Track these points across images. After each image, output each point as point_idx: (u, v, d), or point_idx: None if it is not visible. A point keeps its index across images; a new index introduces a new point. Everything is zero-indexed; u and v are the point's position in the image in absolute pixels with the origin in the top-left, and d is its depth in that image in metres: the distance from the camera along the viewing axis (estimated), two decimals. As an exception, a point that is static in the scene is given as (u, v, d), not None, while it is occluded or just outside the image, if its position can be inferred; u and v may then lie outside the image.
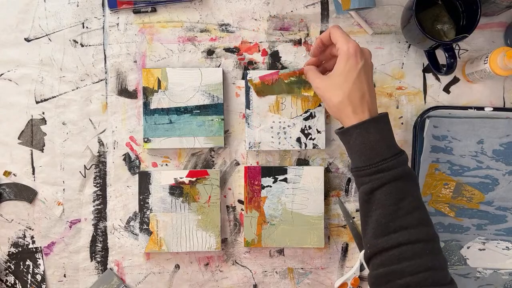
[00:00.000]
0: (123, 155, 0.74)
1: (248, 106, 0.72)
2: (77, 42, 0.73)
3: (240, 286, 0.75)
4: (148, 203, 0.72)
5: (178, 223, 0.72)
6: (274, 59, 0.74)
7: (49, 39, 0.73)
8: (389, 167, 0.56)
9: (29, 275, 0.73)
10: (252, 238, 0.72)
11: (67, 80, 0.73)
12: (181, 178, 0.72)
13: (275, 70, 0.71)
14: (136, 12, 0.73)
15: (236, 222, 0.74)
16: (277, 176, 0.72)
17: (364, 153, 0.57)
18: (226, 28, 0.74)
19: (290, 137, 0.72)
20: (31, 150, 0.73)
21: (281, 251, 0.74)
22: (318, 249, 0.74)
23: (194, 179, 0.72)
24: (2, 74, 0.73)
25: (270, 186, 0.72)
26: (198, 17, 0.73)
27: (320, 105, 0.72)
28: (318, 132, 0.72)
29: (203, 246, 0.72)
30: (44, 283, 0.74)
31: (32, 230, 0.73)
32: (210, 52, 0.74)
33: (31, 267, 0.73)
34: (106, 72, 0.73)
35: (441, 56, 0.69)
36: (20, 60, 0.73)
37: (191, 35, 0.74)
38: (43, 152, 0.73)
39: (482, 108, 0.71)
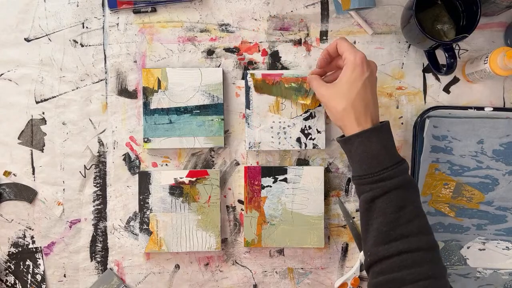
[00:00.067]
0: (123, 155, 0.74)
1: (248, 106, 0.72)
2: (77, 42, 0.73)
3: (240, 286, 0.75)
4: (148, 203, 0.72)
5: (178, 223, 0.72)
6: (274, 59, 0.74)
7: (49, 39, 0.73)
8: (390, 176, 0.56)
9: (29, 275, 0.74)
10: (252, 238, 0.72)
11: (67, 80, 0.73)
12: (181, 178, 0.72)
13: (279, 72, 0.72)
14: (136, 12, 0.73)
15: (236, 222, 0.74)
16: (277, 176, 0.72)
17: (366, 162, 0.58)
18: (226, 28, 0.74)
19: (290, 137, 0.72)
20: (31, 150, 0.73)
21: (281, 251, 0.74)
22: (318, 249, 0.74)
23: (194, 179, 0.72)
24: (2, 74, 0.73)
25: (270, 186, 0.72)
26: (198, 17, 0.73)
27: (320, 105, 0.72)
28: (318, 132, 0.72)
29: (203, 246, 0.72)
30: (44, 283, 0.74)
31: (32, 230, 0.73)
32: (210, 52, 0.74)
33: (31, 267, 0.73)
34: (106, 72, 0.73)
35: (441, 56, 0.69)
36: (20, 60, 0.73)
37: (191, 35, 0.74)
38: (43, 152, 0.73)
39: (482, 108, 0.71)
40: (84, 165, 0.74)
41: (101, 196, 0.74)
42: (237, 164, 0.74)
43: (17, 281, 0.73)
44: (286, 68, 0.73)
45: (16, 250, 0.73)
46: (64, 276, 0.74)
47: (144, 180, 0.72)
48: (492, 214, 0.73)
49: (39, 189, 0.73)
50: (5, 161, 0.73)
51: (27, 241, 0.73)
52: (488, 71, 0.67)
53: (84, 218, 0.74)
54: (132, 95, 0.74)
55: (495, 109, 0.71)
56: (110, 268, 0.74)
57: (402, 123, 0.74)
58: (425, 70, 0.74)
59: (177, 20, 0.73)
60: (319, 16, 0.74)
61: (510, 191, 0.72)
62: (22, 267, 0.73)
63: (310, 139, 0.72)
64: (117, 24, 0.73)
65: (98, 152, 0.74)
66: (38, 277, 0.73)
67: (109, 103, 0.74)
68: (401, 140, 0.74)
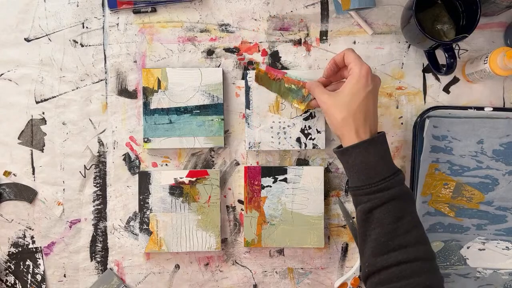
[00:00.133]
0: (123, 155, 0.74)
1: (248, 106, 0.72)
2: (77, 42, 0.73)
3: (240, 286, 0.75)
4: (148, 203, 0.72)
5: (178, 223, 0.72)
6: (274, 59, 0.74)
7: (49, 39, 0.73)
8: (388, 187, 0.57)
9: (29, 275, 0.74)
10: (252, 238, 0.72)
11: (67, 80, 0.73)
12: (181, 178, 0.72)
13: (284, 70, 0.72)
14: (136, 12, 0.73)
15: (236, 222, 0.74)
16: (277, 176, 0.72)
17: (363, 173, 0.58)
18: (226, 28, 0.74)
19: (290, 137, 0.72)
20: (31, 150, 0.73)
21: (281, 251, 0.74)
22: (318, 249, 0.74)
23: (194, 179, 0.72)
24: (2, 74, 0.73)
25: (270, 186, 0.72)
26: (198, 17, 0.73)
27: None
28: (318, 132, 0.72)
29: (203, 246, 0.72)
30: (44, 283, 0.74)
31: (32, 230, 0.73)
32: (210, 52, 0.74)
33: (31, 267, 0.73)
34: (106, 72, 0.74)
35: (441, 56, 0.69)
36: (20, 60, 0.73)
37: (191, 35, 0.74)
38: (43, 152, 0.73)
39: (482, 108, 0.71)
40: (84, 165, 0.74)
41: (101, 196, 0.74)
42: (237, 164, 0.74)
43: (17, 281, 0.74)
44: (286, 68, 0.73)
45: (16, 250, 0.73)
46: (64, 276, 0.74)
47: (144, 180, 0.72)
48: (492, 214, 0.73)
49: (39, 189, 0.73)
50: (5, 161, 0.73)
51: (27, 241, 0.73)
52: (488, 71, 0.67)
53: (84, 218, 0.74)
54: (132, 95, 0.74)
55: (495, 109, 0.71)
56: (110, 268, 0.74)
57: (402, 123, 0.74)
58: (425, 70, 0.74)
59: (177, 20, 0.73)
60: (319, 16, 0.74)
61: (510, 191, 0.72)
62: (22, 267, 0.73)
63: (310, 139, 0.72)
64: (117, 24, 0.73)
65: (98, 152, 0.74)
66: (38, 277, 0.73)
67: (109, 103, 0.74)
68: (401, 140, 0.74)
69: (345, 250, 0.74)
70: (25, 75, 0.73)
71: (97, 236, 0.74)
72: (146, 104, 0.72)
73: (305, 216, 0.72)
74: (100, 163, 0.74)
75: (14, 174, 0.73)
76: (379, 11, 0.74)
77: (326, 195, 0.74)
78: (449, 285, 0.74)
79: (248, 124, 0.72)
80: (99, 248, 0.74)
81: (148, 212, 0.72)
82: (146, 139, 0.72)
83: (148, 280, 0.74)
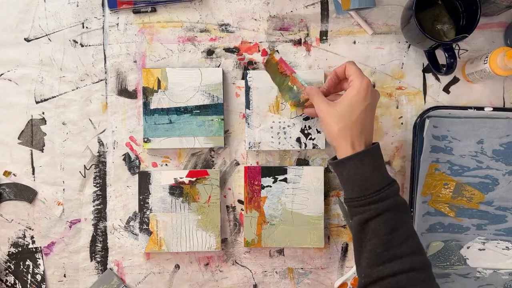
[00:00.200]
0: (123, 155, 0.74)
1: (248, 106, 0.72)
2: (77, 42, 0.73)
3: (240, 286, 0.75)
4: (148, 203, 0.72)
5: (178, 223, 0.72)
6: (274, 59, 0.74)
7: (49, 39, 0.73)
8: (383, 198, 0.57)
9: (29, 275, 0.74)
10: (252, 238, 0.72)
11: (67, 80, 0.73)
12: (181, 178, 0.72)
13: (294, 69, 0.72)
14: (136, 12, 0.73)
15: (236, 222, 0.74)
16: (277, 176, 0.72)
17: (358, 184, 0.58)
18: (226, 28, 0.74)
19: (290, 137, 0.72)
20: (31, 150, 0.73)
21: (281, 251, 0.74)
22: (318, 249, 0.74)
23: (194, 179, 0.72)
24: (2, 74, 0.73)
25: (270, 186, 0.72)
26: (198, 17, 0.73)
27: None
28: (318, 132, 0.72)
29: (203, 246, 0.72)
30: (44, 283, 0.74)
31: (32, 230, 0.73)
32: (210, 52, 0.74)
33: (31, 267, 0.73)
34: (106, 72, 0.74)
35: (441, 56, 0.69)
36: (20, 60, 0.73)
37: (191, 35, 0.74)
38: (43, 152, 0.73)
39: (482, 108, 0.71)
40: (84, 165, 0.74)
41: (101, 196, 0.74)
42: (237, 164, 0.74)
43: (17, 281, 0.74)
44: (299, 72, 0.73)
45: (16, 250, 0.73)
46: (64, 276, 0.74)
47: (144, 180, 0.72)
48: (492, 214, 0.73)
49: (39, 189, 0.73)
50: (5, 161, 0.73)
51: (27, 241, 0.73)
52: (488, 71, 0.67)
53: (84, 218, 0.74)
54: (132, 95, 0.74)
55: (495, 109, 0.71)
56: (110, 268, 0.74)
57: (402, 123, 0.74)
58: (425, 70, 0.74)
59: (177, 20, 0.73)
60: (319, 16, 0.74)
61: (510, 191, 0.72)
62: (22, 267, 0.73)
63: (310, 139, 0.72)
64: (117, 24, 0.73)
65: (98, 152, 0.74)
66: (38, 277, 0.73)
67: (109, 103, 0.74)
68: (401, 140, 0.74)
69: (345, 250, 0.74)
70: (25, 75, 0.73)
71: (97, 236, 0.74)
72: (146, 104, 0.72)
73: (305, 216, 0.72)
74: (100, 163, 0.74)
75: (14, 174, 0.73)
76: (379, 11, 0.74)
77: (326, 195, 0.74)
78: (449, 285, 0.74)
79: (248, 124, 0.72)
80: (99, 248, 0.74)
81: (148, 212, 0.72)
82: (146, 139, 0.72)
83: (148, 280, 0.74)
